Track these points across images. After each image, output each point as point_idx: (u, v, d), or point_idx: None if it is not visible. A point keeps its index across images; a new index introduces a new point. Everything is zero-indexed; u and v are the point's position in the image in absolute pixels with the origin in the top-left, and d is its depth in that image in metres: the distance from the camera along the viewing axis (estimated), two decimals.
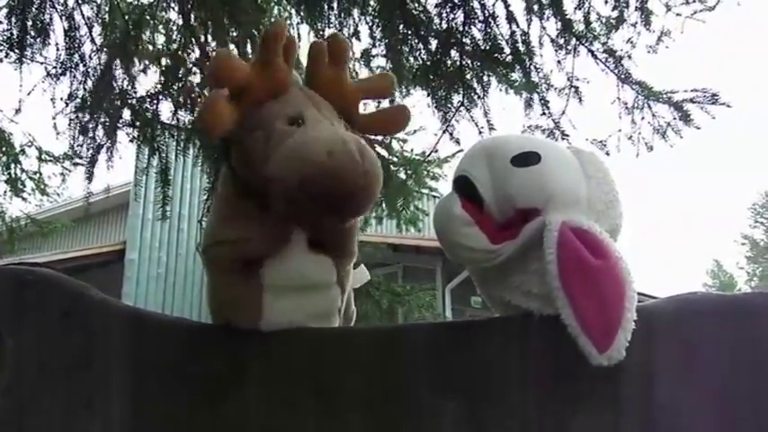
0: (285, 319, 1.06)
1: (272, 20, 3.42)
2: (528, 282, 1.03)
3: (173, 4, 3.30)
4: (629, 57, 3.12)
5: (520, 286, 1.05)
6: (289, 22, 3.54)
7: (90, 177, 3.32)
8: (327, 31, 3.33)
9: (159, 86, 3.28)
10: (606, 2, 3.11)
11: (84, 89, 3.33)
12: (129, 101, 3.27)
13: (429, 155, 3.92)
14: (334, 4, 3.22)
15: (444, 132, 3.29)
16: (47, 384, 1.01)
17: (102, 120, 3.29)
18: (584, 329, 0.92)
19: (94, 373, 1.03)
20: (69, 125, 3.33)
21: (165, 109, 3.34)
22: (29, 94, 3.39)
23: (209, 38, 3.28)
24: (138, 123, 3.27)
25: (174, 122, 3.37)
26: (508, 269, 1.06)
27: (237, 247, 1.05)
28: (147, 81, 3.41)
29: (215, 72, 1.08)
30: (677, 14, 3.18)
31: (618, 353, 0.92)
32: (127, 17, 3.30)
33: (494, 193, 1.06)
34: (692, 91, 2.93)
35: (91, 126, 3.30)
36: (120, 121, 3.32)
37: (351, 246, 1.14)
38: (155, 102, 3.28)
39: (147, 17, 3.32)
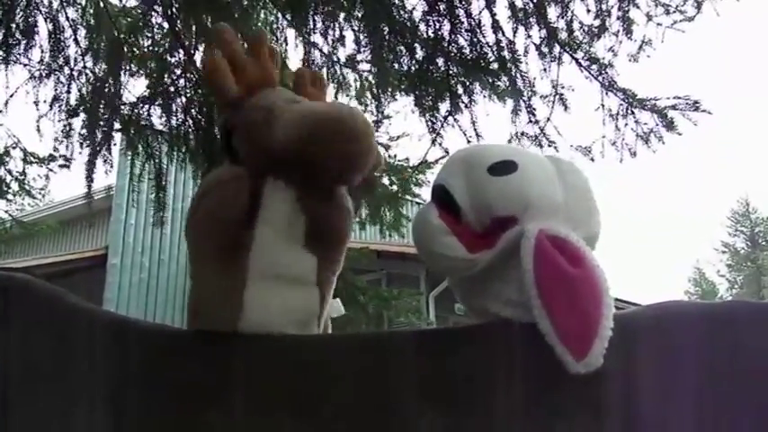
0: (266, 317, 1.05)
1: (258, 24, 3.42)
2: (507, 290, 1.03)
3: (157, 8, 3.29)
4: (611, 65, 3.16)
5: (499, 295, 1.05)
6: (275, 26, 3.54)
7: (90, 181, 3.27)
8: (313, 37, 3.34)
9: (147, 90, 3.27)
10: (588, 11, 3.15)
11: (69, 92, 3.31)
12: (120, 106, 3.25)
13: (418, 165, 3.93)
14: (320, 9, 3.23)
15: (433, 143, 3.30)
16: (22, 394, 1.00)
17: (97, 124, 3.27)
18: (560, 338, 0.93)
19: (72, 381, 1.02)
20: (62, 131, 3.31)
21: (153, 113, 3.33)
22: (12, 95, 3.36)
23: (195, 42, 3.28)
24: (126, 128, 3.26)
25: (162, 128, 3.36)
26: (487, 278, 1.06)
27: (216, 210, 1.07)
28: (135, 84, 3.40)
29: (224, 36, 1.15)
30: (658, 24, 3.22)
31: (595, 360, 0.92)
32: (114, 21, 3.29)
33: (471, 202, 1.06)
34: (674, 98, 2.98)
35: (84, 132, 3.28)
36: (110, 125, 3.29)
37: (338, 239, 1.14)
38: (144, 106, 3.26)
39: (132, 20, 3.30)
